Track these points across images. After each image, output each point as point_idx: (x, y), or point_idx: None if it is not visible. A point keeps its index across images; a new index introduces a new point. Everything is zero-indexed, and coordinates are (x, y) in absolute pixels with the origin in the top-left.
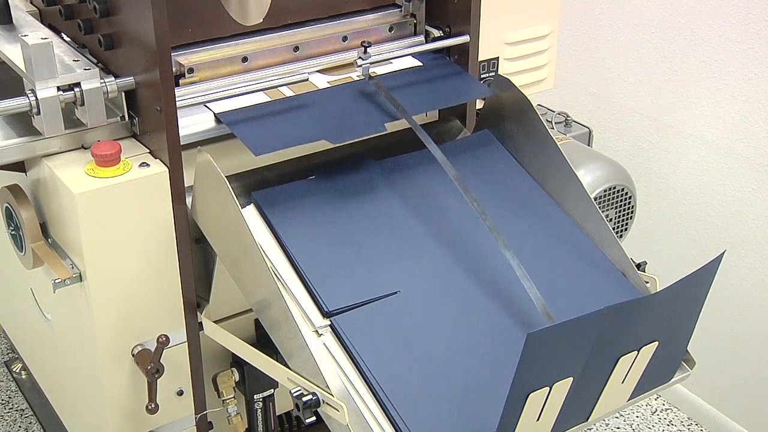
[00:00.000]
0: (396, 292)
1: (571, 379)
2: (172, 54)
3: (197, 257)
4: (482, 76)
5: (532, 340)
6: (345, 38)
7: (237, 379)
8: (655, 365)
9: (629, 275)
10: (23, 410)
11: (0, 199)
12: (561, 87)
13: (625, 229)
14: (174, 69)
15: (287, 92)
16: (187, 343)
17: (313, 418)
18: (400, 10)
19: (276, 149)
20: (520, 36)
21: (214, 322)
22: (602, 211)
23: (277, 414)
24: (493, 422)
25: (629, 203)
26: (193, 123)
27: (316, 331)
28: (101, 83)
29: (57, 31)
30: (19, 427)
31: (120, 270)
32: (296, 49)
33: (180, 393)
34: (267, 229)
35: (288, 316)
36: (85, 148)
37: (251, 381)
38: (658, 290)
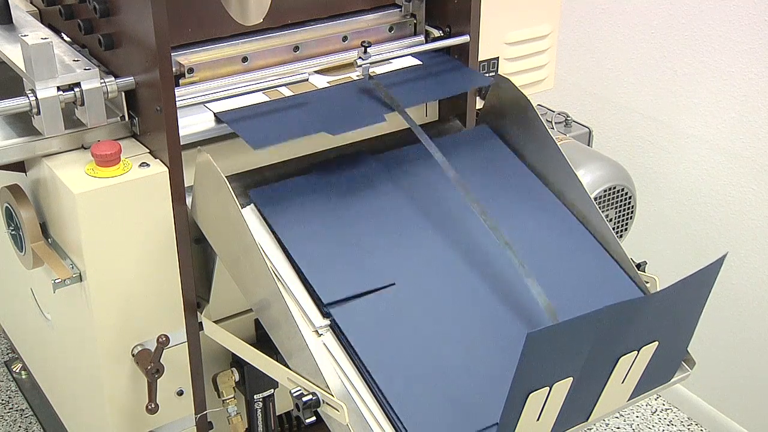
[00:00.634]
0: (394, 284)
1: (571, 378)
2: (172, 54)
3: (197, 257)
4: None
5: (532, 340)
6: (345, 38)
7: (237, 379)
8: (655, 365)
9: (629, 275)
10: (23, 410)
11: (0, 199)
12: (561, 87)
13: (625, 229)
14: (174, 69)
15: (287, 93)
16: (187, 343)
17: (313, 418)
18: (400, 10)
19: (275, 143)
20: (520, 36)
21: (214, 322)
22: (602, 211)
23: (277, 414)
24: (493, 421)
25: (629, 203)
26: (193, 123)
27: (316, 331)
28: (101, 83)
29: (57, 31)
30: (19, 427)
31: (120, 270)
32: (296, 49)
33: (180, 393)
34: (267, 229)
35: (288, 316)
36: (85, 148)
37: (251, 381)
38: (658, 290)
